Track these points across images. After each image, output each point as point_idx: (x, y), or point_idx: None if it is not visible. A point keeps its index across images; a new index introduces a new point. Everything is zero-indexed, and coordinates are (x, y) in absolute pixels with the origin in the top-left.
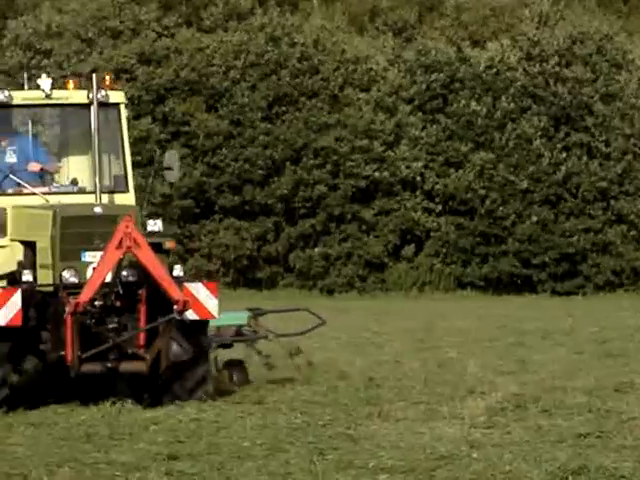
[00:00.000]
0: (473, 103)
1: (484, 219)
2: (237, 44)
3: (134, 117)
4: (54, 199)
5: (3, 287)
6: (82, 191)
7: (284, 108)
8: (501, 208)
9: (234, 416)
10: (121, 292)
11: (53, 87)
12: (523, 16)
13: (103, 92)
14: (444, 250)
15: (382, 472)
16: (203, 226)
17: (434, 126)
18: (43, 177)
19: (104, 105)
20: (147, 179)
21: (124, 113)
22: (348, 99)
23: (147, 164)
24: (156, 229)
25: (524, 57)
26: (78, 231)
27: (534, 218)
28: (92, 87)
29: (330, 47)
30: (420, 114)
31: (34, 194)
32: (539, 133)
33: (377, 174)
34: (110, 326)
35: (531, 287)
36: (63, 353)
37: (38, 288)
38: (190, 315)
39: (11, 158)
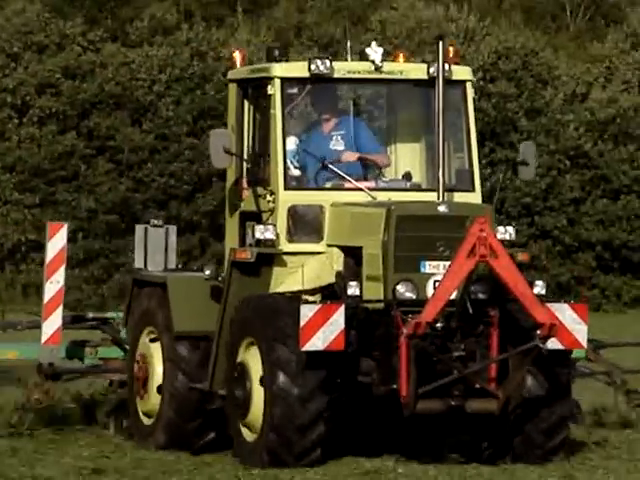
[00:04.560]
0: None
1: None
2: (162, 58)
3: (59, 132)
4: (382, 196)
5: (323, 302)
6: (417, 188)
7: (210, 122)
8: None
9: None
10: (470, 312)
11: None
12: (449, 31)
13: (446, 66)
14: None
15: None
16: (129, 242)
17: None
18: (367, 169)
19: (447, 83)
20: (495, 175)
21: (470, 94)
22: None
23: (72, 179)
24: (507, 237)
25: None
26: (418, 235)
27: None
28: (437, 59)
29: (255, 61)
30: None
31: (359, 189)
32: None
33: None
34: (455, 354)
35: None
36: (395, 387)
37: (364, 305)
38: (552, 343)
39: (338, 145)
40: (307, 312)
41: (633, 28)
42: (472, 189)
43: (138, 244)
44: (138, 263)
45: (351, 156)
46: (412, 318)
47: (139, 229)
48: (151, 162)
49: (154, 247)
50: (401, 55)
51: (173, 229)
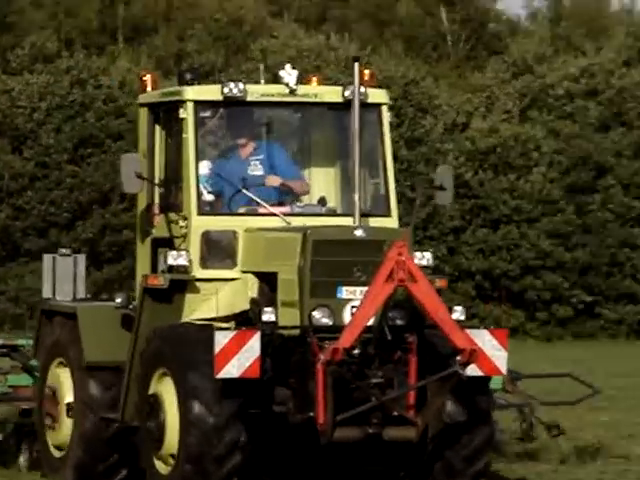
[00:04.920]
0: None
1: None
2: (42, 86)
3: None
4: (297, 222)
5: (238, 328)
6: (332, 213)
7: (90, 150)
8: None
9: None
10: (388, 338)
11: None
12: (329, 60)
13: (362, 89)
14: None
15: None
16: (10, 269)
17: None
18: (282, 194)
19: (363, 106)
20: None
21: (386, 117)
22: None
23: None
24: (424, 262)
25: None
26: (334, 260)
27: None
28: (353, 81)
29: (136, 89)
30: None
31: (273, 215)
32: None
33: None
34: (373, 381)
35: None
36: (312, 414)
37: (279, 331)
38: (471, 370)
39: (256, 170)
40: (221, 339)
41: (513, 58)
42: (388, 214)
43: (46, 273)
44: (46, 293)
45: (274, 180)
46: (329, 344)
47: (47, 258)
48: (31, 189)
49: (62, 276)
50: (314, 79)
51: (82, 258)
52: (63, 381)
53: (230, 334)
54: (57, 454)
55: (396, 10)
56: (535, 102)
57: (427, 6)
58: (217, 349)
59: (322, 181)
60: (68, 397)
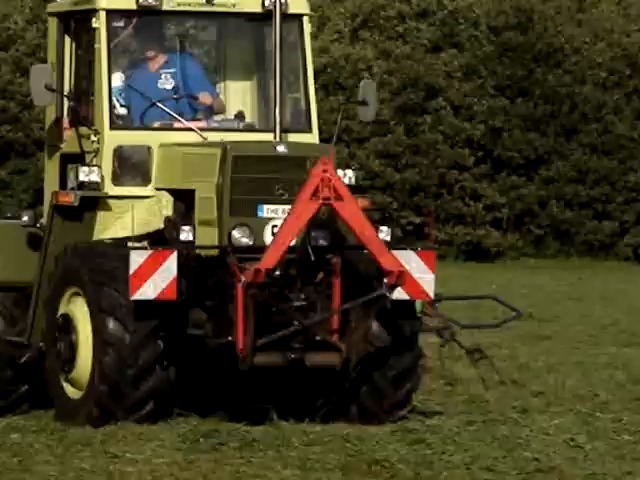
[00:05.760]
0: None
1: None
2: None
3: None
4: (214, 137)
5: (154, 248)
6: (250, 128)
7: None
8: None
9: None
10: (312, 259)
11: None
12: None
13: None
14: None
15: None
16: None
17: None
18: (196, 108)
19: (283, 17)
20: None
21: (307, 29)
22: None
23: None
24: (347, 181)
25: None
26: (255, 177)
27: None
28: None
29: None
30: None
31: (189, 130)
32: None
33: (11, 134)
34: (295, 304)
35: None
36: (230, 339)
37: (196, 251)
38: (397, 293)
39: (166, 84)
40: (137, 258)
41: None
42: (309, 130)
43: None
44: None
45: (206, 98)
46: (250, 265)
47: None
48: None
49: None
50: None
51: None
52: None
53: (146, 254)
54: None
55: None
56: (366, 23)
57: None
58: (132, 269)
59: (239, 95)
60: None
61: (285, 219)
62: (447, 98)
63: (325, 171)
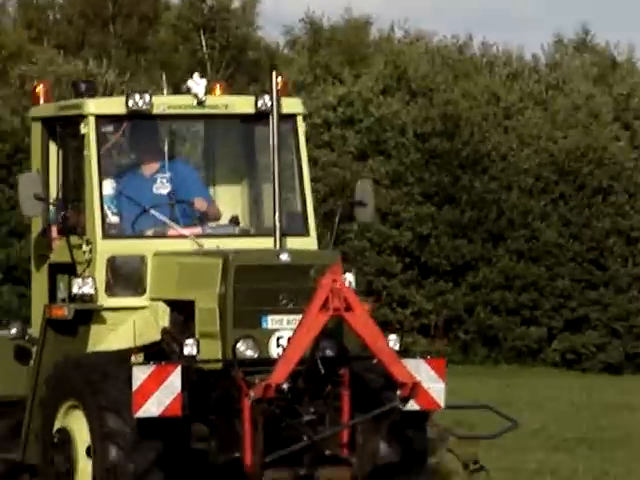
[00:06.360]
0: None
1: None
2: None
3: None
4: (209, 244)
5: (157, 363)
6: (245, 233)
7: None
8: None
9: None
10: (322, 371)
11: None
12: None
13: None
14: None
15: None
16: None
17: None
18: (191, 214)
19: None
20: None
21: (302, 128)
22: None
23: None
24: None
25: None
26: (258, 287)
27: None
28: (270, 91)
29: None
30: None
31: (183, 237)
32: None
33: None
34: (305, 418)
35: None
36: (237, 455)
37: (199, 365)
38: (408, 405)
39: (162, 189)
40: (140, 375)
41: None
42: (307, 233)
43: None
44: None
45: (201, 204)
46: (258, 380)
47: None
48: None
49: None
50: (218, 86)
51: None
52: None
53: (149, 369)
54: None
55: (155, 37)
56: None
57: (185, 32)
58: (135, 386)
59: (230, 198)
60: None
61: (295, 332)
62: (375, 205)
63: (335, 281)
